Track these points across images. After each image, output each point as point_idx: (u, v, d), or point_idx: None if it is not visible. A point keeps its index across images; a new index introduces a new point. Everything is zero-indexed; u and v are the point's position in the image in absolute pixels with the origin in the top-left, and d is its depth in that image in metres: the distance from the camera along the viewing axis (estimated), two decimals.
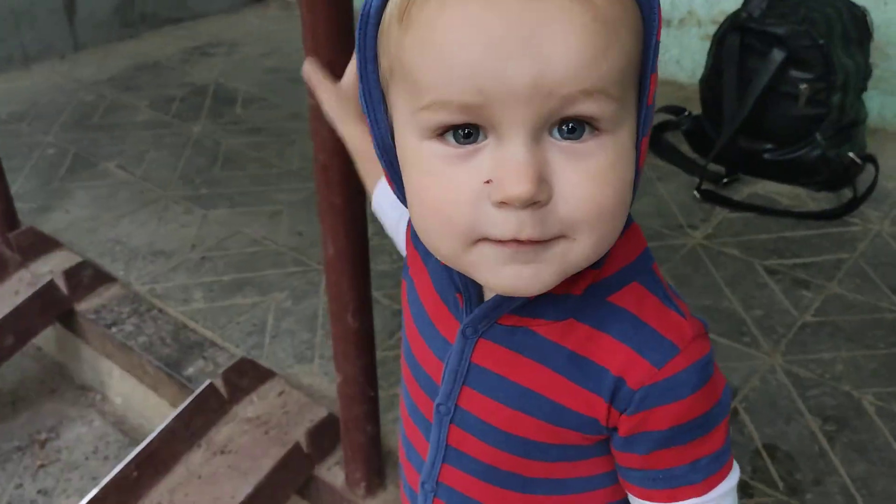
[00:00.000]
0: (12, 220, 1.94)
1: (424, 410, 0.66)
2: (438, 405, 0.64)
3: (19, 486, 1.70)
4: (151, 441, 1.40)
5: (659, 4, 0.50)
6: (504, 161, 0.46)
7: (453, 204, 0.48)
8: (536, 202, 0.46)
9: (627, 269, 0.57)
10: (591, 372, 0.57)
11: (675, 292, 0.59)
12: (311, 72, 0.80)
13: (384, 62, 0.51)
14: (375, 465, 1.30)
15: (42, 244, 1.91)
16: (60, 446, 1.80)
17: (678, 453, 0.57)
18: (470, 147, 0.48)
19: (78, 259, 1.86)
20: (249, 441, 1.43)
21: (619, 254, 0.56)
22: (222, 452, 1.43)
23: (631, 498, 0.62)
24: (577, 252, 0.50)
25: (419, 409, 0.67)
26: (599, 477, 0.64)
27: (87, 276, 1.82)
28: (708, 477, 0.58)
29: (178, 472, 1.41)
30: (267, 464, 1.36)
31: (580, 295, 0.56)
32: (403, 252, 0.73)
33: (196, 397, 1.46)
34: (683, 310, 0.58)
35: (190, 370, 1.62)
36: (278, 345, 1.68)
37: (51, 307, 1.78)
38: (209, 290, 1.86)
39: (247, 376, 1.51)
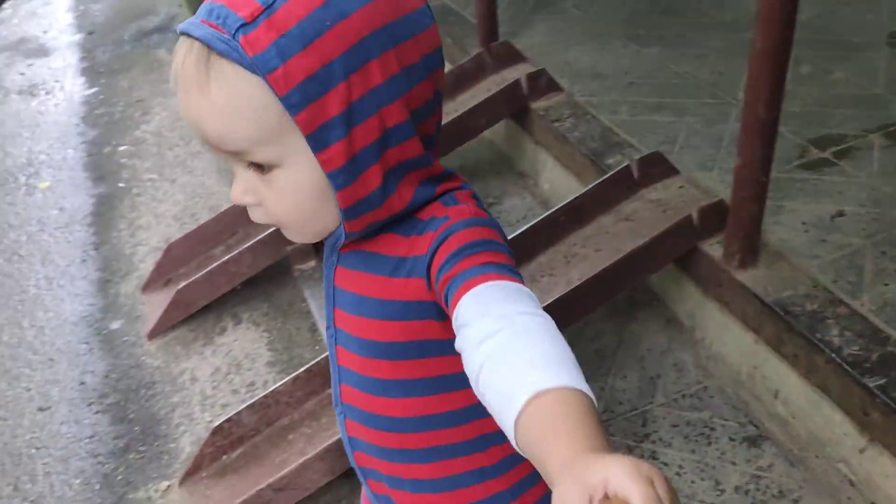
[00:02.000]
0: (494, 35, 2.46)
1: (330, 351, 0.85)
2: (327, 329, 0.83)
3: None
4: (577, 198, 1.80)
5: (275, 72, 0.64)
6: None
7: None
8: (248, 205, 0.73)
9: (435, 197, 0.73)
10: (398, 263, 0.73)
11: (477, 206, 0.74)
12: None
13: None
14: (752, 242, 1.55)
15: (512, 56, 2.40)
16: (500, 210, 2.34)
17: (467, 261, 0.67)
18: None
19: (539, 69, 2.31)
20: (650, 215, 1.76)
21: (430, 194, 0.73)
22: (627, 220, 1.79)
23: (458, 315, 0.65)
24: (293, 235, 0.75)
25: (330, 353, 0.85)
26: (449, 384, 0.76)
27: (543, 83, 2.27)
28: (498, 273, 0.65)
29: (591, 227, 1.81)
30: (661, 228, 1.68)
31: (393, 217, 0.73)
32: None
33: (614, 174, 1.83)
34: (472, 206, 0.73)
35: (610, 161, 1.99)
36: (685, 154, 1.96)
37: (512, 101, 2.28)
38: (633, 107, 2.20)
39: (656, 167, 1.83)
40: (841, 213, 1.72)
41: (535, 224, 1.77)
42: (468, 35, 2.61)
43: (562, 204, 1.79)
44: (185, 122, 0.70)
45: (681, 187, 1.80)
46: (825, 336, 1.42)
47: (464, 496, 0.83)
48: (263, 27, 0.63)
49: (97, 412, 2.06)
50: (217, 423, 1.75)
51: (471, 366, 0.60)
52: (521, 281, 0.66)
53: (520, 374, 0.55)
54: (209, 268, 2.22)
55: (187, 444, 1.91)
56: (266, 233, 2.17)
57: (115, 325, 2.34)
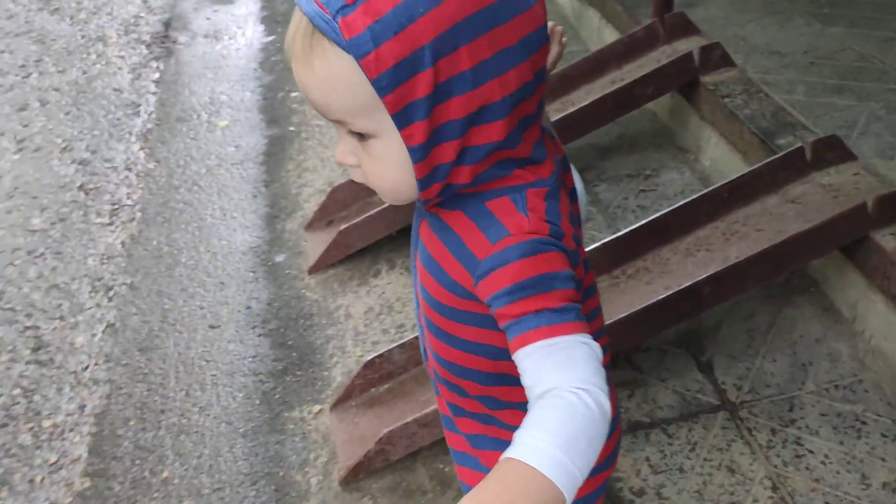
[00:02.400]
0: (668, 6, 2.41)
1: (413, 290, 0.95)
2: (412, 263, 0.91)
3: (625, 198, 2.28)
4: (743, 175, 1.77)
5: (367, 56, 0.67)
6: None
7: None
8: (349, 166, 0.78)
9: (504, 189, 0.76)
10: (459, 245, 0.78)
11: (548, 214, 0.75)
12: None
13: None
14: None
15: (685, 27, 2.35)
16: (657, 182, 2.32)
17: (521, 305, 0.71)
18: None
19: (713, 42, 2.26)
20: (819, 199, 1.71)
21: (505, 182, 0.76)
22: (794, 202, 1.74)
23: (517, 363, 0.73)
24: (385, 197, 0.80)
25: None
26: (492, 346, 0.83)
27: (716, 56, 2.21)
28: (553, 324, 0.70)
29: (755, 206, 1.77)
30: (830, 213, 1.63)
31: (463, 197, 0.77)
32: None
33: (784, 155, 1.78)
34: (534, 217, 0.74)
35: (780, 141, 1.93)
36: (863, 141, 1.88)
37: (682, 73, 2.24)
38: (812, 87, 2.11)
39: (832, 151, 1.76)
40: None
41: (696, 198, 1.76)
42: (641, 5, 2.58)
43: (726, 180, 1.76)
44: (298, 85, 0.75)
45: (856, 174, 1.73)
46: None
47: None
48: (360, 10, 0.66)
49: (260, 335, 2.25)
50: (369, 358, 1.87)
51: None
52: (574, 321, 0.70)
53: (524, 434, 0.65)
54: (369, 213, 2.34)
55: (339, 375, 2.05)
56: None
57: (279, 258, 2.52)
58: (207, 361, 2.19)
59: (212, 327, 2.30)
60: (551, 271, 0.72)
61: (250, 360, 2.17)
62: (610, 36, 2.68)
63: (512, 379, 0.76)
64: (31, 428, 2.07)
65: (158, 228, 2.77)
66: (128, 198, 2.97)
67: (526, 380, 0.70)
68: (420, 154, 0.72)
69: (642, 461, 1.54)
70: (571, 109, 2.28)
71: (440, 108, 0.70)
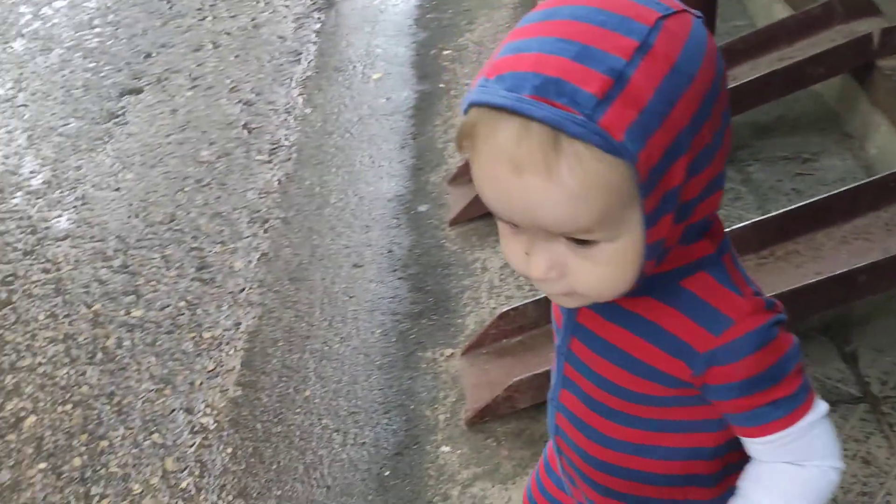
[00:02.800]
0: None
1: (556, 344, 0.87)
2: (559, 346, 0.85)
3: (779, 181, 2.22)
4: None
5: (639, 156, 0.58)
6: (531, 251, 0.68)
7: (512, 257, 0.72)
8: (545, 280, 0.68)
9: (698, 262, 0.70)
10: (663, 336, 0.72)
11: (745, 280, 0.72)
12: None
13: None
14: None
15: (866, 7, 2.23)
16: (816, 167, 2.24)
17: (757, 398, 0.71)
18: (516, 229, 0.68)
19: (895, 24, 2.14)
20: None
21: (690, 254, 0.70)
22: None
23: (739, 437, 0.77)
24: (578, 300, 0.71)
25: (554, 342, 0.87)
26: (692, 422, 0.78)
27: None
28: (788, 413, 0.72)
29: None
30: None
31: (650, 278, 0.69)
32: None
33: None
34: (744, 292, 0.70)
35: None
36: None
37: (858, 55, 2.14)
38: None
39: None
40: None
41: (859, 185, 1.70)
42: None
43: (894, 170, 1.69)
44: (499, 201, 0.65)
45: None
46: None
47: None
48: (620, 104, 0.57)
49: (400, 278, 2.36)
50: (503, 310, 1.94)
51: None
52: (806, 400, 0.73)
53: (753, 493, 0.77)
54: None
55: (472, 323, 2.13)
56: None
57: (422, 208, 2.63)
58: (350, 297, 2.33)
59: (355, 266, 2.44)
60: (783, 356, 0.71)
61: (389, 300, 2.29)
62: (781, 12, 2.58)
63: (701, 479, 0.82)
64: (193, 337, 2.28)
65: (311, 169, 2.94)
66: (286, 139, 3.15)
67: (760, 458, 0.77)
68: (656, 250, 0.65)
69: None
70: (732, 84, 2.23)
71: (684, 194, 0.63)
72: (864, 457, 1.48)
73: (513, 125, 0.59)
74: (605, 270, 0.66)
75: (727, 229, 1.60)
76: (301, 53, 3.76)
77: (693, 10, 0.63)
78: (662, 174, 0.60)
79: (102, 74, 3.75)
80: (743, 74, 2.26)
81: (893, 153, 2.06)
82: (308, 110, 3.32)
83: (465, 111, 0.64)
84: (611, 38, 0.59)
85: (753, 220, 1.76)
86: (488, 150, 0.62)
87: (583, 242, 0.64)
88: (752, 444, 0.76)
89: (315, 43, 3.83)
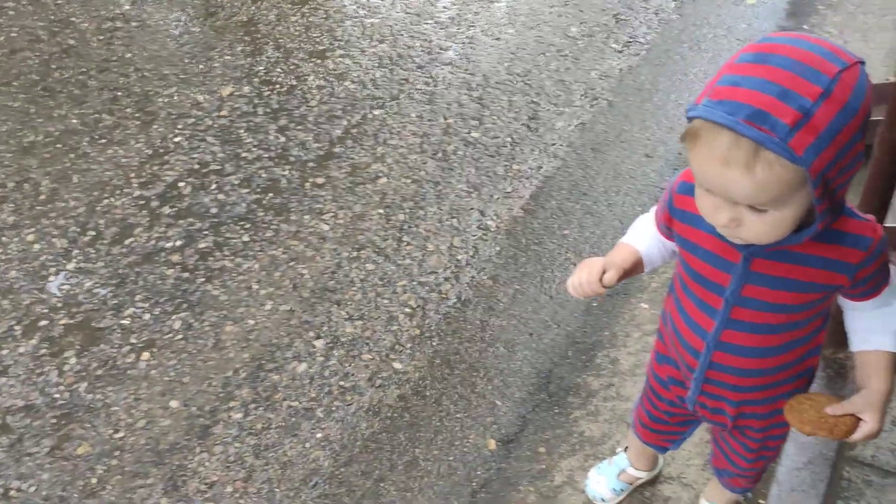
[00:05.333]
0: None
1: (710, 302, 1.16)
2: (727, 297, 1.13)
3: None
4: None
5: (812, 165, 0.87)
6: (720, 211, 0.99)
7: (704, 208, 1.03)
8: (724, 226, 0.99)
9: (840, 210, 1.03)
10: (829, 263, 1.06)
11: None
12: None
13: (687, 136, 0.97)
14: None
15: None
16: None
17: (880, 277, 1.12)
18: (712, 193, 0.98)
19: None
20: None
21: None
22: None
23: (868, 306, 1.16)
24: (749, 241, 1.02)
25: (705, 302, 1.17)
26: (818, 315, 1.17)
27: None
28: (890, 275, 1.13)
29: None
30: None
31: (810, 231, 1.00)
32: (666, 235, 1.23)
33: None
34: (867, 217, 1.07)
35: None
36: None
37: None
38: None
39: None
40: None
41: None
42: None
43: None
44: (706, 178, 0.95)
45: None
46: None
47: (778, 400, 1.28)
48: (804, 132, 0.85)
49: (675, 171, 2.77)
50: None
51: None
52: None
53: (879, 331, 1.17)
54: None
55: None
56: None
57: None
58: (631, 176, 2.80)
59: (646, 156, 2.89)
60: (887, 249, 1.11)
61: (659, 189, 2.72)
62: None
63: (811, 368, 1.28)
64: (506, 165, 2.95)
65: (652, 68, 3.35)
66: (643, 36, 3.57)
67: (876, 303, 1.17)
68: (822, 217, 0.96)
69: None
70: None
71: (835, 184, 0.93)
72: None
73: (727, 137, 0.89)
74: (768, 228, 0.98)
75: None
76: None
77: (859, 58, 0.92)
78: (826, 174, 0.90)
79: None
80: None
81: None
82: (674, 16, 3.67)
83: (690, 119, 0.94)
84: (803, 84, 0.86)
85: None
86: (707, 150, 0.92)
87: (757, 210, 0.96)
88: (863, 304, 1.17)
89: None
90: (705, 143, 0.91)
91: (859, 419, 1.13)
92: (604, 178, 2.82)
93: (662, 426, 1.50)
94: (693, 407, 1.34)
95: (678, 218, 1.15)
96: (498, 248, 2.60)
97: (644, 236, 1.27)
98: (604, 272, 1.17)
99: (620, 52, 3.50)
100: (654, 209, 1.25)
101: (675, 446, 1.57)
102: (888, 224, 1.80)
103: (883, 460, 1.69)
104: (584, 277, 1.17)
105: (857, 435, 1.13)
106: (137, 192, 2.79)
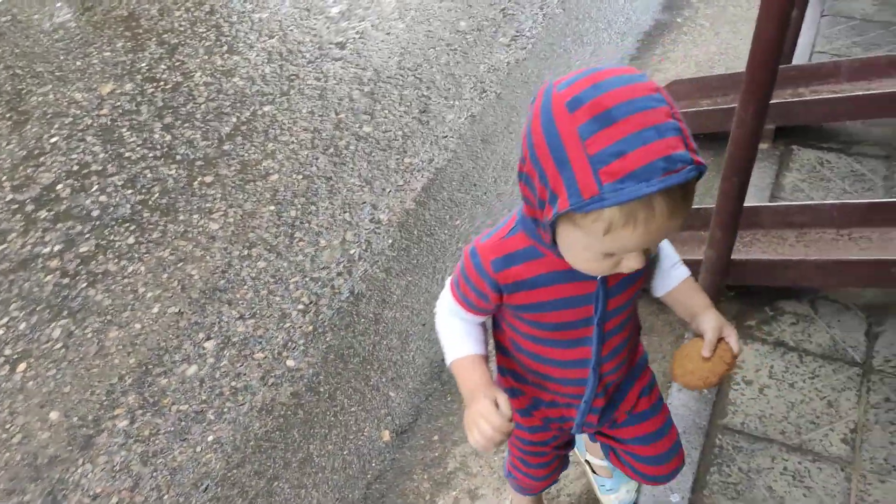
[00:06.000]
0: None
1: (581, 335, 1.12)
2: (597, 322, 1.11)
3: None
4: None
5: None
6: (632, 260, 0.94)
7: (595, 268, 0.97)
8: (612, 268, 0.95)
9: None
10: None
11: None
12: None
13: (599, 225, 0.87)
14: None
15: None
16: None
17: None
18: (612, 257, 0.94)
19: None
20: None
21: None
22: None
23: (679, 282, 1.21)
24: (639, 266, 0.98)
25: (576, 339, 1.13)
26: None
27: None
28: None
29: None
30: None
31: None
32: (485, 303, 1.12)
33: None
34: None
35: None
36: None
37: None
38: None
39: None
40: None
41: None
42: None
43: None
44: (638, 245, 0.89)
45: None
46: None
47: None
48: (691, 144, 0.85)
49: None
50: None
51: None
52: None
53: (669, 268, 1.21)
54: (690, 110, 2.71)
55: None
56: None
57: None
58: None
59: None
60: None
61: None
62: None
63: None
64: (397, 159, 2.94)
65: (537, 62, 3.41)
66: (529, 30, 3.63)
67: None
68: None
69: (767, 366, 1.88)
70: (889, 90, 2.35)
71: None
72: (831, 401, 1.78)
73: (664, 199, 0.83)
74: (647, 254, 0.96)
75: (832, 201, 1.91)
76: None
77: (634, 69, 0.91)
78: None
79: None
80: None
81: None
82: (558, 11, 3.75)
83: (603, 209, 0.84)
84: (656, 112, 0.82)
85: (843, 202, 2.01)
86: (648, 225, 0.85)
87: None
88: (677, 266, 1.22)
89: None
90: (645, 222, 0.85)
91: (721, 339, 1.16)
92: (493, 169, 2.85)
93: (547, 466, 1.45)
94: (580, 429, 1.30)
95: (512, 291, 1.07)
96: (390, 241, 2.59)
97: (468, 338, 1.16)
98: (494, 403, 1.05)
99: (508, 46, 3.54)
100: (450, 309, 1.16)
101: (563, 469, 1.52)
102: (748, 204, 1.89)
103: (752, 426, 1.78)
104: (487, 427, 1.03)
105: (735, 345, 1.15)
106: (10, 196, 2.63)
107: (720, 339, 1.15)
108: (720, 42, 3.32)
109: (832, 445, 1.71)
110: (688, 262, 1.25)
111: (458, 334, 1.15)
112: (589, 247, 0.91)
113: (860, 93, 2.37)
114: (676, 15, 3.59)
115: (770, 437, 1.75)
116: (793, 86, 2.61)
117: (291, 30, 3.71)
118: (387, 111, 3.18)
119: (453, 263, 2.49)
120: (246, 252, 2.55)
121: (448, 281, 1.17)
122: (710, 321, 1.16)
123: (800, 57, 2.80)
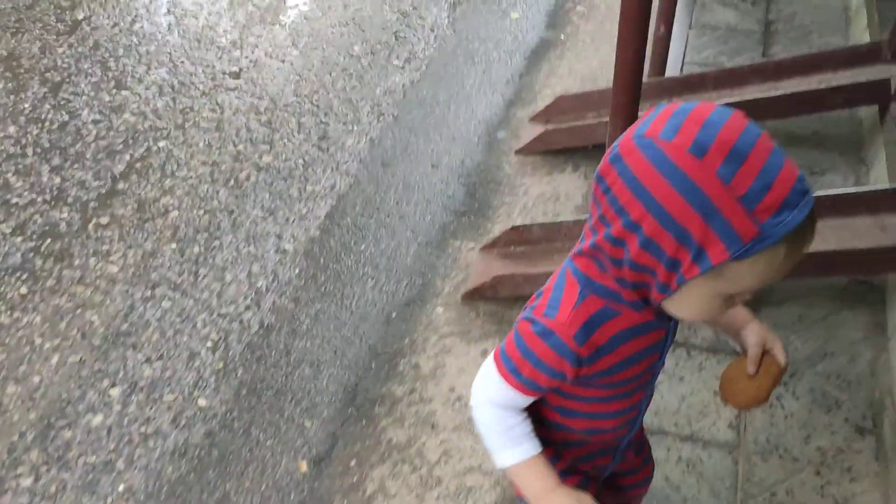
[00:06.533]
0: None
1: (642, 383, 1.07)
2: (656, 369, 1.07)
3: None
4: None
5: None
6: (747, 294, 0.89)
7: (714, 314, 0.91)
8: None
9: None
10: None
11: None
12: None
13: (758, 267, 0.82)
14: None
15: None
16: (818, 182, 2.53)
17: None
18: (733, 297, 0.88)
19: None
20: None
21: None
22: None
23: None
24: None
25: (635, 387, 1.07)
26: None
27: None
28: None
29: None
30: None
31: None
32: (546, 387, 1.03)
33: None
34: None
35: None
36: None
37: (876, 96, 2.39)
38: None
39: None
40: None
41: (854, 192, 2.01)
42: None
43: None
44: (775, 278, 0.83)
45: None
46: None
47: None
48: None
49: (461, 183, 2.90)
50: (515, 225, 2.44)
51: None
52: None
53: None
54: (575, 124, 2.83)
55: (497, 230, 2.65)
56: None
57: (500, 134, 3.12)
58: (420, 187, 2.89)
59: (433, 166, 2.99)
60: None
61: (446, 197, 2.84)
62: (869, 39, 2.78)
63: None
64: (300, 187, 2.94)
65: (431, 82, 3.47)
66: (422, 52, 3.69)
67: None
68: None
69: None
70: (776, 93, 2.53)
71: None
72: (717, 391, 1.91)
73: (810, 220, 0.79)
74: None
75: None
76: None
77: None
78: None
79: None
80: (786, 88, 2.55)
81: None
82: (449, 32, 3.83)
83: (761, 248, 0.78)
84: (764, 136, 0.79)
85: None
86: (803, 251, 0.81)
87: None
88: None
89: None
90: (798, 249, 0.81)
91: (766, 351, 1.12)
92: (395, 191, 2.89)
93: None
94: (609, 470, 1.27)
95: (593, 360, 0.98)
96: (297, 270, 2.59)
97: (527, 435, 1.06)
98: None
99: (402, 68, 3.59)
100: (500, 400, 1.04)
101: None
102: None
103: (647, 421, 1.88)
104: None
105: (782, 357, 1.11)
106: None
107: (764, 352, 1.11)
108: (601, 56, 3.47)
109: (720, 432, 1.83)
110: None
111: (515, 432, 1.05)
112: (722, 292, 0.85)
113: (726, 101, 2.54)
114: (560, 32, 3.73)
115: (664, 430, 1.85)
116: (668, 96, 2.77)
117: (182, 61, 3.65)
118: (286, 140, 3.17)
119: (361, 289, 2.51)
120: (149, 293, 2.50)
121: (490, 369, 1.03)
122: (751, 335, 1.11)
123: (672, 69, 2.97)
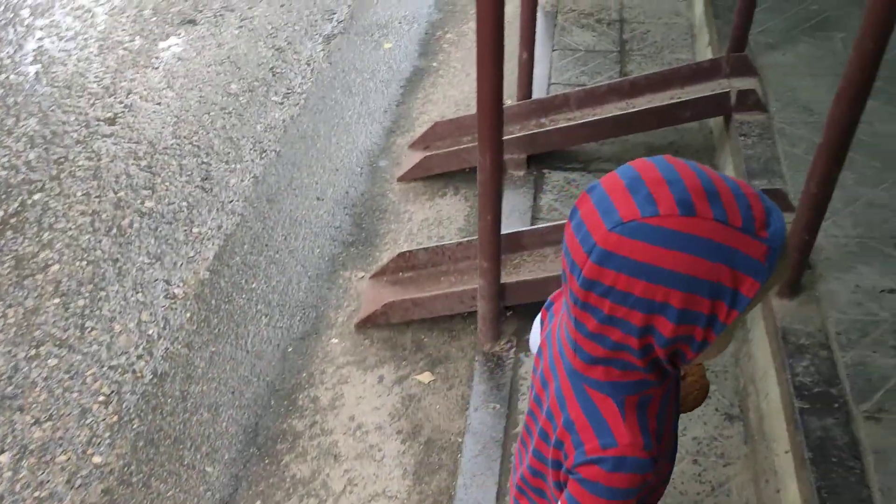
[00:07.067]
0: (741, 46, 2.73)
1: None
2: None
3: None
4: None
5: None
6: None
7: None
8: None
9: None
10: None
11: None
12: None
13: (775, 278, 0.82)
14: None
15: (746, 68, 2.68)
16: None
17: None
18: None
19: (753, 87, 2.59)
20: None
21: None
22: None
23: None
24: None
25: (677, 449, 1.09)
26: None
27: (750, 100, 2.56)
28: None
29: None
30: None
31: None
32: None
33: None
34: None
35: (756, 182, 2.29)
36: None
37: (720, 107, 2.61)
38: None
39: (773, 199, 2.12)
40: None
41: None
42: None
43: None
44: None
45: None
46: None
47: None
48: None
49: (347, 214, 2.94)
50: (402, 251, 2.51)
51: None
52: None
53: None
54: (452, 149, 2.93)
55: (385, 257, 2.71)
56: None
57: (382, 163, 3.19)
58: (306, 220, 2.92)
59: (318, 199, 3.03)
60: None
61: (334, 228, 2.88)
62: (711, 55, 3.02)
63: None
64: (185, 230, 2.91)
65: (311, 116, 3.51)
66: (300, 86, 3.72)
67: None
68: None
69: None
70: (632, 110, 2.72)
71: None
72: None
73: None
74: None
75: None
76: (335, 13, 4.29)
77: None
78: None
79: (171, 1, 4.35)
80: (640, 104, 2.74)
81: None
82: (325, 65, 3.87)
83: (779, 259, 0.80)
84: (703, 166, 0.82)
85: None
86: (784, 269, 0.83)
87: None
88: None
89: (349, 6, 4.35)
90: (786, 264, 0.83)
91: None
92: (282, 227, 2.91)
93: None
94: None
95: (660, 452, 0.96)
96: (189, 315, 2.56)
97: None
98: None
99: (281, 103, 3.61)
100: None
101: None
102: (512, 230, 2.10)
103: None
104: None
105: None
106: None
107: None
108: (472, 82, 3.56)
109: None
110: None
111: None
112: (744, 317, 0.85)
113: (587, 119, 2.71)
114: (432, 60, 3.85)
115: None
116: (536, 117, 2.91)
117: (53, 110, 3.54)
118: (168, 183, 3.13)
119: (255, 327, 2.51)
120: (33, 352, 2.41)
121: None
122: None
123: (539, 90, 3.12)
